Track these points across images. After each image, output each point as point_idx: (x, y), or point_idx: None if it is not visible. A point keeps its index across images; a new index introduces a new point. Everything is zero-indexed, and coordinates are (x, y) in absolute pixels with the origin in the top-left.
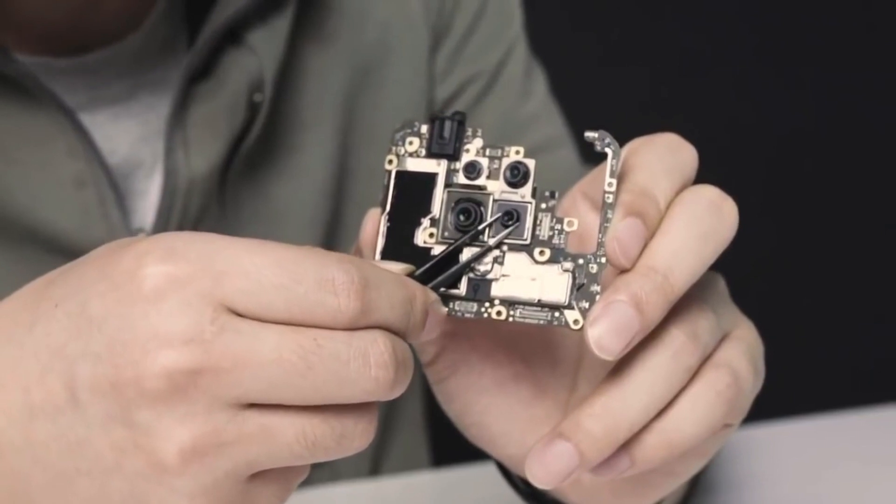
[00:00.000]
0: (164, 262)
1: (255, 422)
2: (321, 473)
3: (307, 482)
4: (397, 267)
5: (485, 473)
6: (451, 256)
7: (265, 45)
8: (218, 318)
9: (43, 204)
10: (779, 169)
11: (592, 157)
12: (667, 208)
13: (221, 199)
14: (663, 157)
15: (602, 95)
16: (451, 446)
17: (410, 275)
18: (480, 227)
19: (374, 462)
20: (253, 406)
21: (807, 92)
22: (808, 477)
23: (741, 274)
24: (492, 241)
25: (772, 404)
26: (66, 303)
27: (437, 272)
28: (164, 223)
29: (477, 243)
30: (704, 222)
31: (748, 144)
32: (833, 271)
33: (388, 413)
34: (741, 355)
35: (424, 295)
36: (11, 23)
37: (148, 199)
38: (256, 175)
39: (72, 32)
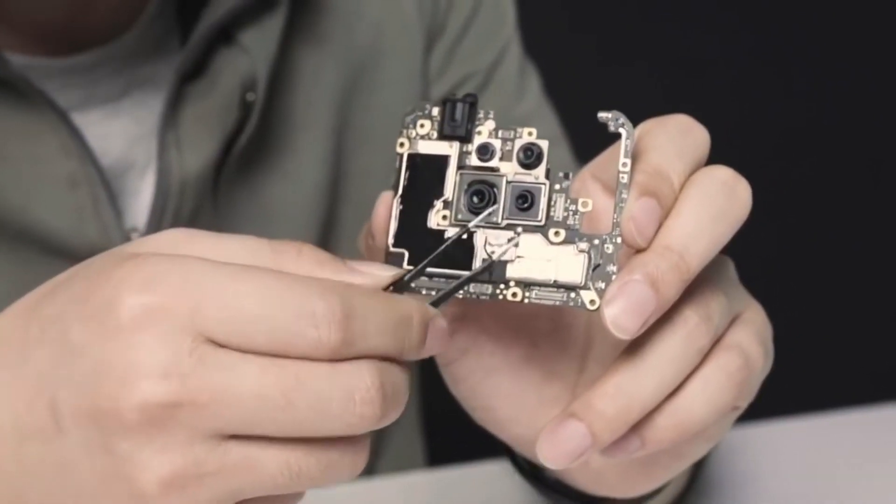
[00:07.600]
0: (142, 292)
1: (236, 453)
2: None
3: None
4: (387, 273)
5: (480, 473)
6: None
7: (257, 44)
8: (196, 349)
9: (36, 204)
10: (777, 169)
11: (585, 157)
12: (681, 189)
13: (215, 198)
14: (676, 138)
15: (597, 95)
16: (446, 446)
17: (401, 278)
18: (471, 226)
19: (370, 462)
20: (235, 437)
21: (806, 92)
22: (807, 475)
23: (739, 274)
24: (470, 225)
25: (772, 403)
26: (52, 328)
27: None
28: (157, 223)
29: (489, 225)
30: (718, 202)
31: (747, 144)
32: (833, 271)
33: None
34: (751, 337)
35: (421, 312)
36: (3, 23)
37: (141, 199)
38: (250, 175)
39: (64, 32)
